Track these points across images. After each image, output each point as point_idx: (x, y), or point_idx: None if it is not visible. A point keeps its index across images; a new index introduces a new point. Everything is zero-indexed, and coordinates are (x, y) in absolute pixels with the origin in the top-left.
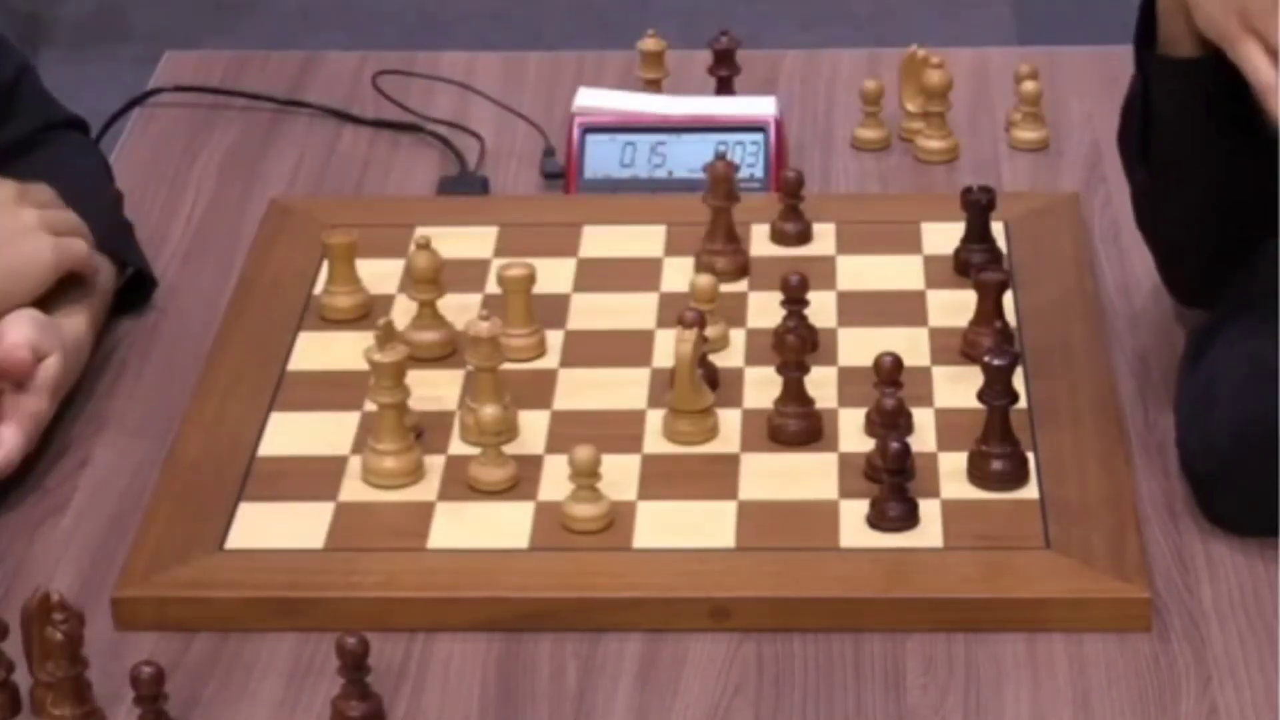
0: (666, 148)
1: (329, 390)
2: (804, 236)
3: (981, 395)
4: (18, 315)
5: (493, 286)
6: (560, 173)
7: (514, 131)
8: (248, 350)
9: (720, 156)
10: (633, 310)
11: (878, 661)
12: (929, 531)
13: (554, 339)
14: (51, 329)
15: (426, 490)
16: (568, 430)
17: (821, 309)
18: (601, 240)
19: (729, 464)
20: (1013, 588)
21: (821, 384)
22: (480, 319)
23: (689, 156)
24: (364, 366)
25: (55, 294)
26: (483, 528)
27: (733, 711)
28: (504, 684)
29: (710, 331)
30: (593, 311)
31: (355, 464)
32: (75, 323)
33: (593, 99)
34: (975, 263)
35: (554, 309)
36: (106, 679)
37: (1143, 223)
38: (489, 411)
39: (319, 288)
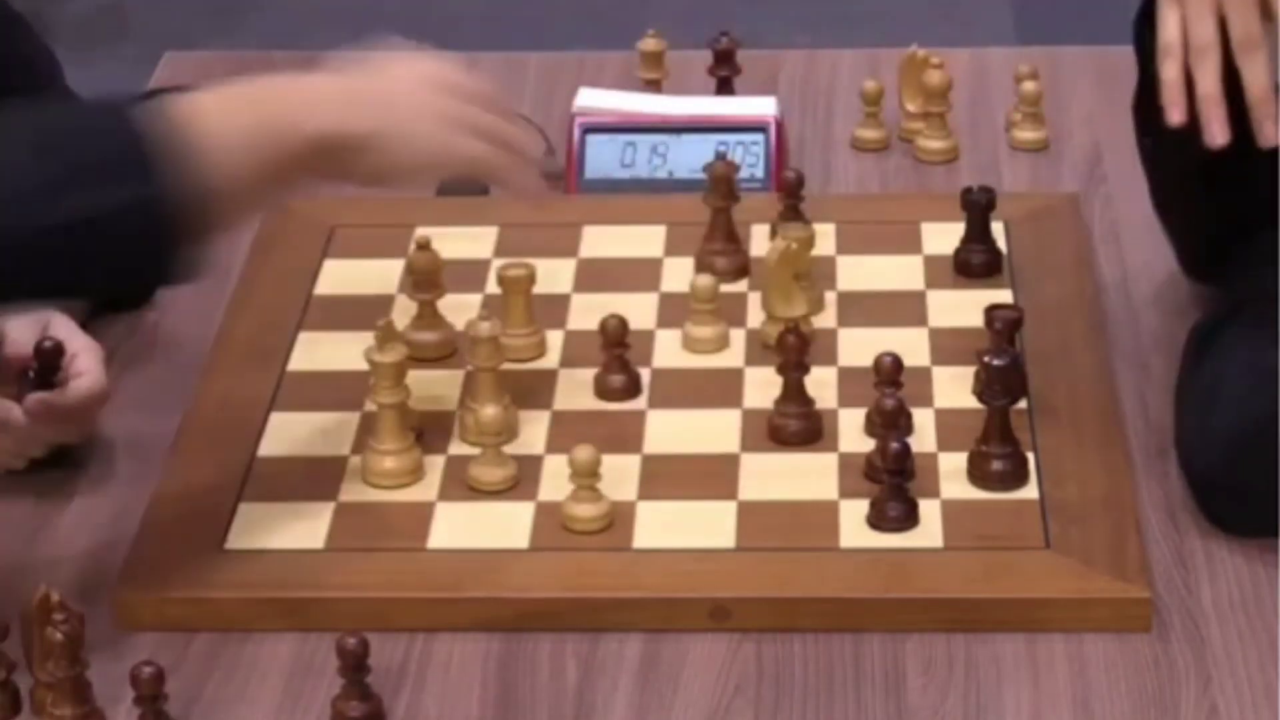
0: (667, 148)
1: (329, 390)
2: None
3: (981, 395)
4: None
5: (493, 286)
6: (560, 173)
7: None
8: (248, 350)
9: (720, 156)
10: (633, 310)
11: (878, 661)
12: (929, 531)
13: (554, 339)
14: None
15: (426, 490)
16: (568, 430)
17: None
18: (601, 240)
19: (729, 464)
20: (1013, 588)
21: (821, 384)
22: (480, 319)
23: (689, 156)
24: (364, 366)
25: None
26: (483, 528)
27: (733, 711)
28: (504, 684)
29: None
30: (593, 311)
31: (355, 464)
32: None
33: (593, 99)
34: (975, 263)
35: (554, 309)
36: (106, 679)
37: (1154, 194)
38: (489, 411)
39: (321, 288)
